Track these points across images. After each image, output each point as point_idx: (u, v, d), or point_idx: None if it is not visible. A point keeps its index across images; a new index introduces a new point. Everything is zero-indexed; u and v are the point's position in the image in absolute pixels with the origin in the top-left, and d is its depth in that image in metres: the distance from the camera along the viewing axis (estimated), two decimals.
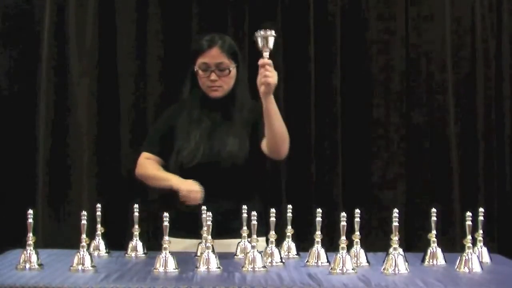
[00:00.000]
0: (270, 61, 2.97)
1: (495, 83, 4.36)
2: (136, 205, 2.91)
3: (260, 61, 2.97)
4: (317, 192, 4.26)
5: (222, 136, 3.28)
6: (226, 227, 3.04)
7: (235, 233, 2.95)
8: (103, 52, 4.27)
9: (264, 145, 3.22)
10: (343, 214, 2.52)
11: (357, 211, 2.58)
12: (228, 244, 3.01)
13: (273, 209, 2.68)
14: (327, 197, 4.25)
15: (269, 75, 2.98)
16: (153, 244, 3.25)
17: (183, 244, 3.15)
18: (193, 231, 2.95)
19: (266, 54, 2.95)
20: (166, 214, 2.58)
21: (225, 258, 2.73)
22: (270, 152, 3.22)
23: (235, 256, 2.89)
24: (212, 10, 4.27)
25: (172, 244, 2.65)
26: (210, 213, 2.60)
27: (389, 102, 4.32)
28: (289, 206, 2.85)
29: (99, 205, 2.93)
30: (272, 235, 2.71)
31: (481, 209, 2.77)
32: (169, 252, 2.55)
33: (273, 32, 2.93)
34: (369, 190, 4.30)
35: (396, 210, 2.54)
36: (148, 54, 4.29)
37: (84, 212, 2.61)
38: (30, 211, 2.59)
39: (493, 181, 4.34)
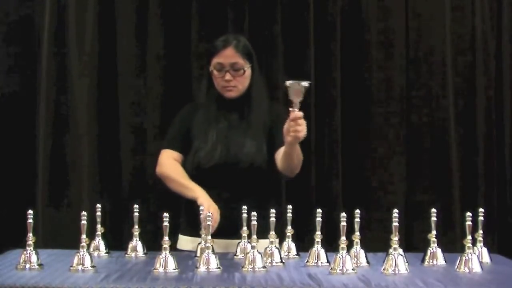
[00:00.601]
0: (301, 114, 2.94)
1: (495, 83, 4.36)
2: (136, 205, 2.91)
3: (292, 115, 2.93)
4: (317, 192, 4.26)
5: (239, 137, 3.28)
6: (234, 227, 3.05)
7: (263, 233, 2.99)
8: (103, 52, 4.27)
9: (278, 159, 3.24)
10: (343, 214, 2.53)
11: (357, 211, 2.59)
12: (230, 244, 3.04)
13: (273, 209, 2.68)
14: (327, 197, 4.24)
15: (299, 130, 2.97)
16: (153, 244, 3.25)
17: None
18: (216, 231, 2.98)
19: (296, 106, 2.90)
20: (166, 214, 2.58)
21: (225, 258, 2.74)
22: (282, 171, 3.27)
23: (235, 256, 2.90)
24: (212, 10, 4.27)
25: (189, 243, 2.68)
26: (210, 213, 2.60)
27: (389, 102, 4.32)
28: (289, 206, 2.86)
29: (99, 205, 2.93)
30: (272, 235, 2.71)
31: (481, 209, 2.77)
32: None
33: (306, 84, 2.88)
34: (369, 190, 4.29)
35: (396, 210, 2.54)
36: (148, 54, 4.29)
37: (84, 212, 2.61)
38: (30, 211, 2.60)
39: (493, 181, 4.34)
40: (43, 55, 4.24)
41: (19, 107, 4.29)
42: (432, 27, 4.32)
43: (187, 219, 3.29)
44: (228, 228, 3.05)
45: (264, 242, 2.75)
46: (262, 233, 2.69)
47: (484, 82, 4.34)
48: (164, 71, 4.27)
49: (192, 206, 3.16)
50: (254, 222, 2.57)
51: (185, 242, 3.27)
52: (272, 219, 2.67)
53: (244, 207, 2.68)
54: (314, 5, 4.29)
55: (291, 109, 2.93)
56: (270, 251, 2.72)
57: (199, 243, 2.86)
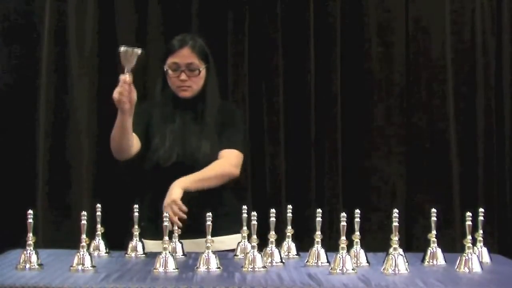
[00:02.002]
0: (129, 79, 2.98)
1: (495, 83, 4.36)
2: (136, 205, 2.91)
3: (121, 78, 2.99)
4: (317, 192, 4.26)
5: (195, 137, 3.31)
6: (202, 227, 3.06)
7: (229, 229, 3.02)
8: (103, 52, 4.27)
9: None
10: (343, 214, 2.53)
11: (357, 211, 2.58)
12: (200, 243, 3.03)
13: (273, 209, 2.68)
14: (327, 197, 4.24)
15: (121, 92, 3.01)
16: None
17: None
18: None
19: (128, 70, 2.97)
20: (166, 214, 2.59)
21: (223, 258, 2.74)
22: None
23: (235, 256, 2.90)
24: (212, 10, 4.27)
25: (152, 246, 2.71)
26: (210, 214, 2.60)
27: (389, 102, 4.32)
28: (289, 206, 2.86)
29: (99, 205, 2.93)
30: (272, 235, 2.71)
31: (481, 209, 2.77)
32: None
33: (139, 51, 2.95)
34: (369, 190, 4.30)
35: (396, 210, 2.54)
36: (148, 54, 4.28)
37: (84, 212, 2.61)
38: (30, 211, 2.59)
39: (493, 181, 4.34)
40: (43, 55, 4.24)
41: (19, 106, 4.29)
42: (432, 27, 4.32)
43: (149, 222, 3.26)
44: (189, 227, 3.06)
45: (223, 239, 2.82)
46: (219, 230, 2.73)
47: (484, 82, 4.34)
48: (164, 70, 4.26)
49: (152, 209, 3.18)
50: (254, 222, 2.57)
51: (151, 245, 3.18)
52: (272, 219, 2.67)
53: (244, 206, 2.69)
54: (314, 5, 4.29)
55: (121, 75, 2.98)
56: (270, 251, 2.72)
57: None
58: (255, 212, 2.58)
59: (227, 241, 3.17)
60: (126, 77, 2.98)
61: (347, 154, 4.30)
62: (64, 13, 4.25)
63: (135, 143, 3.27)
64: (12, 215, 3.92)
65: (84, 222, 2.59)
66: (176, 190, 3.13)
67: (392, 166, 4.31)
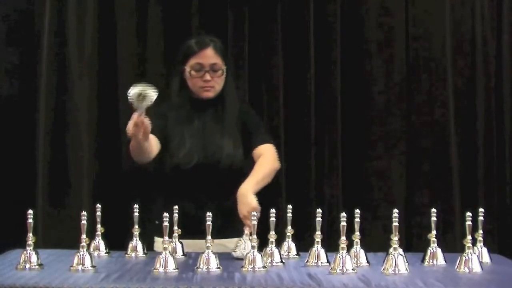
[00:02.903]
0: (142, 119, 2.91)
1: (495, 83, 4.36)
2: (136, 205, 2.91)
3: (135, 118, 2.91)
4: (317, 192, 4.26)
5: (216, 137, 3.30)
6: (226, 227, 3.06)
7: (236, 233, 2.98)
8: (103, 52, 4.27)
9: (256, 159, 3.31)
10: (343, 214, 2.53)
11: (357, 211, 2.59)
12: (225, 244, 3.04)
13: (273, 209, 2.68)
14: (327, 197, 4.24)
15: (136, 129, 2.94)
16: (153, 244, 3.26)
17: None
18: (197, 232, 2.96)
19: (142, 111, 2.89)
20: (166, 214, 2.59)
21: (225, 257, 2.74)
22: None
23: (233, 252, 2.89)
24: (212, 10, 4.27)
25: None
26: (210, 213, 2.60)
27: (389, 102, 4.32)
28: (289, 206, 2.86)
29: (99, 205, 2.93)
30: (272, 235, 2.71)
31: (481, 209, 2.77)
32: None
33: (152, 93, 2.87)
34: (369, 190, 4.29)
35: (396, 210, 2.54)
36: (148, 54, 4.29)
37: (84, 212, 2.61)
38: (30, 211, 2.60)
39: (493, 181, 4.34)
40: (43, 55, 4.24)
41: (19, 107, 4.28)
42: (432, 27, 4.32)
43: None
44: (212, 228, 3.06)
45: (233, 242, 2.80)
46: (232, 233, 2.72)
47: (484, 82, 4.34)
48: (164, 70, 4.26)
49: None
50: (254, 222, 2.57)
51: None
52: (272, 219, 2.67)
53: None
54: (314, 5, 4.29)
55: (135, 113, 2.90)
56: (270, 251, 2.72)
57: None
58: (254, 212, 2.58)
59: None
60: (139, 117, 2.91)
61: (347, 154, 4.30)
62: (64, 13, 4.25)
63: (154, 146, 3.22)
64: (12, 215, 3.92)
65: (84, 222, 2.59)
66: (252, 196, 3.07)
67: (392, 166, 4.30)
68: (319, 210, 2.64)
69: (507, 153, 4.34)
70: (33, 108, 4.26)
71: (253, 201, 3.05)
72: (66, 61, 4.25)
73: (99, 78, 4.27)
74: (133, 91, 2.86)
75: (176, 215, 2.78)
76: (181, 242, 2.95)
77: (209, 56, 3.31)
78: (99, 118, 4.27)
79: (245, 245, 2.85)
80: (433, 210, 2.68)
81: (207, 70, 3.29)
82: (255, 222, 2.58)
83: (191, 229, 3.00)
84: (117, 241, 3.10)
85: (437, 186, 4.29)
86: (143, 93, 2.87)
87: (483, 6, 4.34)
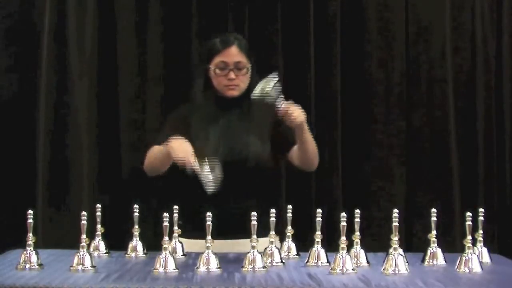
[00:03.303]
0: (288, 104, 3.04)
1: (495, 83, 4.36)
2: (136, 205, 2.91)
3: (282, 110, 3.04)
4: (317, 192, 4.26)
5: (242, 136, 3.28)
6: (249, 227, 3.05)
7: (257, 233, 2.99)
8: (103, 52, 4.27)
9: (293, 158, 3.31)
10: (343, 214, 2.53)
11: (357, 211, 2.58)
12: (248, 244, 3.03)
13: (273, 209, 2.68)
14: (327, 197, 4.24)
15: (296, 115, 3.08)
16: (153, 244, 3.25)
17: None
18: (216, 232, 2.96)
19: (280, 103, 3.04)
20: (166, 214, 2.58)
21: (225, 257, 2.74)
22: (301, 166, 3.33)
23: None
24: (212, 10, 4.27)
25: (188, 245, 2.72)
26: (210, 213, 2.60)
27: (389, 102, 4.32)
28: (289, 206, 2.85)
29: (99, 205, 2.93)
30: (272, 235, 2.71)
31: (481, 209, 2.77)
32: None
33: (273, 81, 3.02)
34: (369, 190, 4.30)
35: (396, 210, 2.54)
36: (148, 54, 4.29)
37: (84, 212, 2.61)
38: (30, 211, 2.59)
39: (493, 181, 4.34)
40: (43, 55, 4.24)
41: (19, 107, 4.29)
42: (432, 27, 4.32)
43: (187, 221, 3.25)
44: (234, 227, 3.05)
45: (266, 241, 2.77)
46: (265, 232, 2.70)
47: (484, 82, 4.34)
48: (164, 71, 4.27)
49: (192, 208, 3.16)
50: (254, 222, 2.57)
51: (189, 245, 3.21)
52: (272, 219, 2.67)
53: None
54: (314, 5, 4.29)
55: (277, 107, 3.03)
56: (270, 251, 2.72)
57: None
58: (254, 212, 2.58)
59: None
60: (284, 108, 3.05)
61: (347, 154, 4.30)
62: (64, 13, 4.25)
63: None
64: (12, 215, 3.92)
65: (84, 222, 2.59)
66: (301, 112, 3.12)
67: (392, 166, 4.30)
68: (319, 210, 2.64)
69: (507, 153, 4.35)
70: (33, 108, 4.27)
71: (301, 116, 3.11)
72: (66, 61, 4.25)
73: (99, 78, 4.27)
74: (256, 91, 3.05)
75: (176, 215, 2.78)
76: (181, 242, 2.94)
77: (234, 54, 3.28)
78: (99, 118, 4.27)
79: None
80: (433, 210, 2.67)
81: (232, 68, 3.27)
82: (255, 223, 2.57)
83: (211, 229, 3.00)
84: (117, 241, 3.10)
85: (437, 186, 4.29)
86: (266, 88, 3.03)
87: (483, 6, 4.34)
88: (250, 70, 3.32)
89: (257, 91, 3.06)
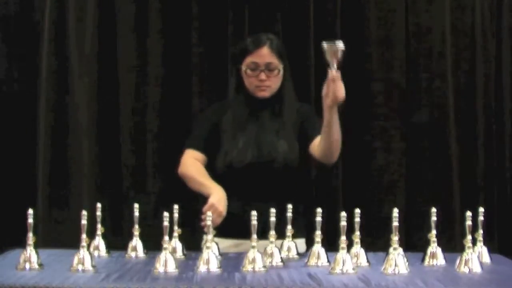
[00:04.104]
0: (338, 74, 2.96)
1: (495, 83, 4.36)
2: (136, 205, 2.91)
3: (330, 75, 2.95)
4: (317, 192, 4.26)
5: (272, 137, 3.27)
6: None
7: (299, 233, 2.99)
8: (103, 52, 4.27)
9: (314, 148, 3.23)
10: (343, 214, 2.52)
11: (357, 211, 2.59)
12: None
13: (273, 209, 2.68)
14: (327, 197, 4.24)
15: (338, 89, 2.98)
16: (153, 244, 3.25)
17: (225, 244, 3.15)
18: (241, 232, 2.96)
19: (334, 66, 2.94)
20: (166, 214, 2.58)
21: (224, 257, 2.74)
22: (322, 156, 3.22)
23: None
24: (212, 10, 4.27)
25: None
26: (210, 213, 2.60)
27: (389, 102, 4.32)
28: (289, 206, 2.85)
29: (99, 205, 2.93)
30: (272, 235, 2.71)
31: (481, 209, 2.77)
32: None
33: (341, 45, 2.93)
34: (369, 190, 4.29)
35: (396, 210, 2.54)
36: (148, 54, 4.29)
37: (84, 212, 2.61)
38: (30, 211, 2.59)
39: (493, 181, 4.34)
40: (43, 55, 4.24)
41: (19, 107, 4.29)
42: (432, 26, 4.32)
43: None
44: (260, 229, 3.05)
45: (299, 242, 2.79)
46: (300, 233, 2.71)
47: (484, 82, 4.34)
48: (164, 70, 4.27)
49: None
50: (254, 222, 2.57)
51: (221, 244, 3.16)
52: (272, 219, 2.67)
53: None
54: (314, 5, 4.29)
55: (328, 70, 2.94)
56: (270, 251, 2.71)
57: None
58: (254, 212, 2.58)
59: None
60: (334, 73, 2.95)
61: (347, 153, 4.29)
62: (64, 13, 4.25)
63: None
64: (12, 215, 3.92)
65: (84, 222, 2.59)
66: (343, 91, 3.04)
67: (392, 165, 4.30)
68: (319, 210, 2.64)
69: (507, 153, 4.34)
70: (33, 108, 4.27)
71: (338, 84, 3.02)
72: (66, 61, 4.25)
73: (99, 78, 4.27)
74: (326, 44, 2.94)
75: (176, 215, 2.78)
76: (181, 243, 2.94)
77: (265, 55, 3.27)
78: (99, 118, 4.27)
79: None
80: (433, 210, 2.67)
81: (263, 69, 3.26)
82: (254, 223, 2.57)
83: (235, 228, 3.00)
84: (117, 241, 3.10)
85: (437, 186, 4.29)
86: (335, 45, 2.93)
87: (483, 6, 4.34)
88: (282, 71, 3.30)
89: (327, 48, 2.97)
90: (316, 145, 3.22)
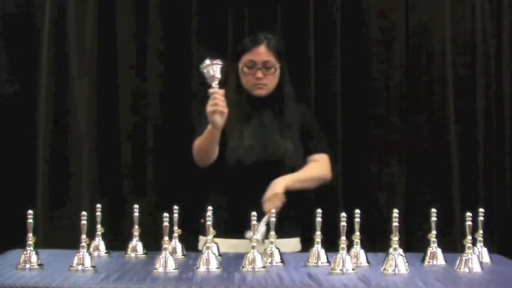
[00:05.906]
0: (220, 91, 3.03)
1: (495, 83, 4.36)
2: (136, 205, 2.91)
3: (211, 90, 3.02)
4: (317, 192, 4.26)
5: (276, 137, 3.28)
6: (280, 227, 3.05)
7: (292, 233, 2.98)
8: (103, 52, 4.27)
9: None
10: (343, 214, 2.53)
11: (357, 211, 2.59)
12: (284, 244, 3.01)
13: (274, 209, 2.68)
14: (327, 197, 4.24)
15: (217, 103, 3.04)
16: (153, 244, 3.25)
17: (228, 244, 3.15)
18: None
19: (215, 84, 3.03)
20: (166, 214, 2.58)
21: (224, 257, 2.74)
22: None
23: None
24: (212, 10, 4.27)
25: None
26: (210, 213, 2.60)
27: (389, 102, 4.32)
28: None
29: (99, 205, 2.93)
30: (273, 235, 2.71)
31: (481, 209, 2.77)
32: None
33: (219, 61, 3.01)
34: (369, 190, 4.29)
35: (396, 210, 2.54)
36: (148, 54, 4.29)
37: (84, 212, 2.61)
38: (30, 211, 2.60)
39: (493, 181, 4.34)
40: (43, 55, 4.24)
41: (19, 107, 4.29)
42: (432, 26, 4.32)
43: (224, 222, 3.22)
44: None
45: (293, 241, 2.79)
46: (293, 232, 2.71)
47: (484, 82, 4.34)
48: (164, 70, 4.27)
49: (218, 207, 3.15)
50: (254, 222, 2.57)
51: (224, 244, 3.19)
52: (273, 219, 2.67)
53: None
54: (314, 5, 4.29)
55: (210, 88, 3.04)
56: (270, 251, 2.71)
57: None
58: (255, 212, 2.58)
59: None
60: (215, 90, 3.01)
61: (347, 153, 4.29)
62: (64, 13, 4.25)
63: (217, 146, 3.28)
64: (12, 215, 3.92)
65: (84, 222, 2.59)
66: (280, 186, 3.12)
67: (392, 166, 4.30)
68: (319, 210, 2.64)
69: (507, 153, 4.34)
70: (33, 108, 4.26)
71: (278, 189, 3.07)
72: (66, 61, 4.25)
73: (99, 78, 4.27)
74: (204, 64, 3.02)
75: (176, 215, 2.78)
76: (181, 243, 2.94)
77: (262, 53, 3.29)
78: (99, 118, 4.26)
79: (261, 229, 2.88)
80: (433, 210, 2.68)
81: (259, 67, 3.28)
82: (254, 223, 2.57)
83: (239, 228, 3.00)
84: (117, 241, 3.10)
85: (437, 186, 4.29)
86: (212, 63, 3.01)
87: (483, 6, 4.34)
88: (278, 70, 3.31)
89: (206, 63, 3.05)
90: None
